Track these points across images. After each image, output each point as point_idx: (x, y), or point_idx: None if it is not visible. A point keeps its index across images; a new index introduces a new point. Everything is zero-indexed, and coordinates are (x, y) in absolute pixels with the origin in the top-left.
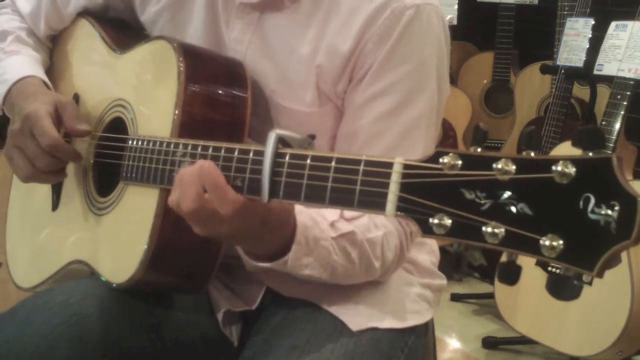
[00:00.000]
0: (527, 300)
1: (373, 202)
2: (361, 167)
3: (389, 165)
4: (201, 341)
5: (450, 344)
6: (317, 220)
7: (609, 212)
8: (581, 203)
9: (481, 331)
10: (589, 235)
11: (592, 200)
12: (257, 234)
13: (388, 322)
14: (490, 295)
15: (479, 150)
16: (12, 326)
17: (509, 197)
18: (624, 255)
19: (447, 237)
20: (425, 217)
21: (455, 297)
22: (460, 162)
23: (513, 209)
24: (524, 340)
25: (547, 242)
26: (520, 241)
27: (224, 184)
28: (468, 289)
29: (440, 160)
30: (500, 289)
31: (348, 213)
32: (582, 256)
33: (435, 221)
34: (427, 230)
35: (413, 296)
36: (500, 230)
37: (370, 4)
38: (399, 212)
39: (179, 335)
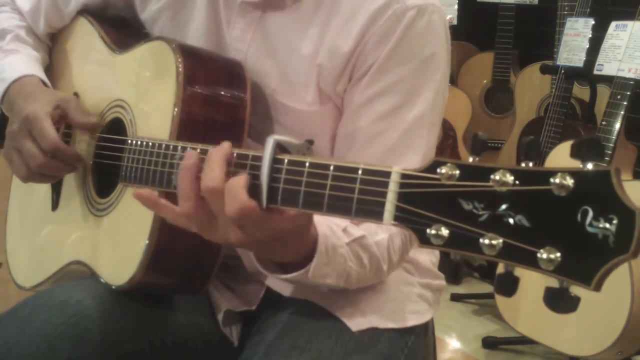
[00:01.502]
0: (527, 300)
1: (370, 210)
2: (359, 176)
3: (387, 174)
4: (201, 341)
5: (450, 344)
6: (333, 229)
7: (607, 225)
8: (579, 216)
9: (481, 331)
10: (586, 248)
11: (590, 213)
12: (269, 244)
13: (388, 322)
14: (490, 295)
15: (477, 159)
16: (12, 326)
17: (507, 209)
18: None
19: (445, 247)
20: (422, 227)
21: (455, 297)
22: (458, 172)
23: (511, 220)
24: (524, 340)
25: (545, 255)
26: (518, 253)
27: (243, 184)
28: (468, 289)
29: (438, 170)
30: None
31: None
32: (580, 269)
33: (433, 232)
34: (425, 241)
35: (413, 296)
36: (498, 242)
37: (371, 5)
38: (396, 222)
39: (179, 336)
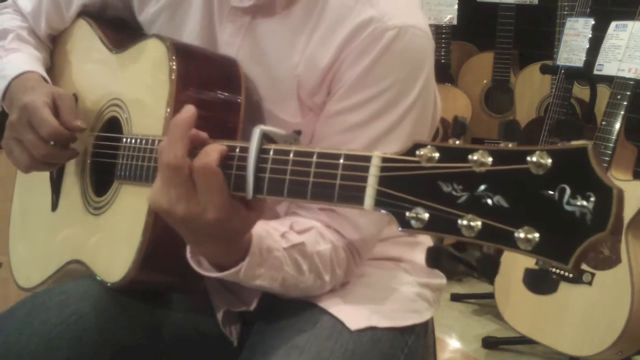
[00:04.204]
0: (527, 300)
1: (352, 196)
2: (341, 162)
3: (368, 159)
4: (200, 341)
5: (450, 344)
6: (269, 231)
7: (585, 203)
8: (557, 194)
9: (481, 331)
10: (564, 227)
11: (568, 191)
12: (209, 232)
13: (388, 322)
14: (490, 295)
15: (458, 142)
16: (11, 326)
17: (485, 190)
18: (624, 255)
19: (424, 231)
20: (402, 210)
21: (455, 297)
22: (437, 154)
23: (489, 201)
24: (524, 340)
25: (522, 235)
26: (496, 234)
27: (219, 148)
28: (468, 289)
29: (417, 152)
30: (500, 289)
31: (297, 225)
32: (558, 249)
33: (413, 215)
34: (405, 224)
35: (412, 295)
36: (477, 223)
37: (354, 20)
38: (377, 207)
39: (178, 335)
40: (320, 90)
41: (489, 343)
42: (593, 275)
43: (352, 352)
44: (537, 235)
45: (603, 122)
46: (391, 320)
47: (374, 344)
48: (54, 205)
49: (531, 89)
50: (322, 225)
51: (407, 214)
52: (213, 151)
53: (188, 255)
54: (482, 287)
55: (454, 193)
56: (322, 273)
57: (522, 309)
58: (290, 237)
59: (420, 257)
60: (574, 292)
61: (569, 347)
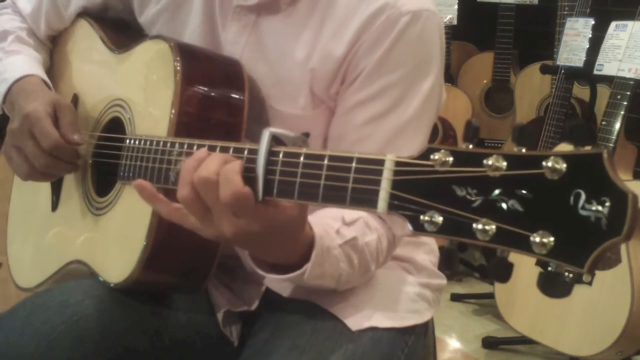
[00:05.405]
0: (527, 300)
1: (365, 199)
2: (353, 165)
3: (381, 162)
4: (201, 341)
5: (450, 344)
6: (327, 230)
7: (600, 208)
8: (572, 199)
9: (481, 331)
10: (579, 231)
11: (583, 196)
12: (264, 239)
13: (388, 322)
14: (490, 295)
15: (471, 146)
16: (12, 326)
17: (500, 194)
18: (623, 255)
19: (438, 234)
20: (416, 214)
21: (455, 297)
22: (451, 158)
23: (504, 205)
24: (524, 340)
25: (538, 239)
26: (511, 238)
27: (237, 169)
28: (468, 289)
29: (432, 156)
30: (500, 289)
31: (347, 216)
32: (573, 253)
33: (427, 218)
34: (419, 228)
35: (412, 295)
36: (491, 227)
37: (366, 9)
38: (390, 210)
39: (179, 335)
40: (335, 80)
41: (489, 343)
42: (593, 275)
43: (352, 352)
44: (552, 239)
45: (603, 122)
46: (392, 321)
47: (374, 344)
48: (54, 206)
49: (531, 89)
50: (367, 214)
51: (421, 217)
52: (234, 174)
53: (248, 258)
54: (482, 287)
55: (468, 197)
56: (370, 264)
57: (522, 309)
58: (344, 233)
59: (422, 257)
60: (574, 292)
61: (569, 347)
